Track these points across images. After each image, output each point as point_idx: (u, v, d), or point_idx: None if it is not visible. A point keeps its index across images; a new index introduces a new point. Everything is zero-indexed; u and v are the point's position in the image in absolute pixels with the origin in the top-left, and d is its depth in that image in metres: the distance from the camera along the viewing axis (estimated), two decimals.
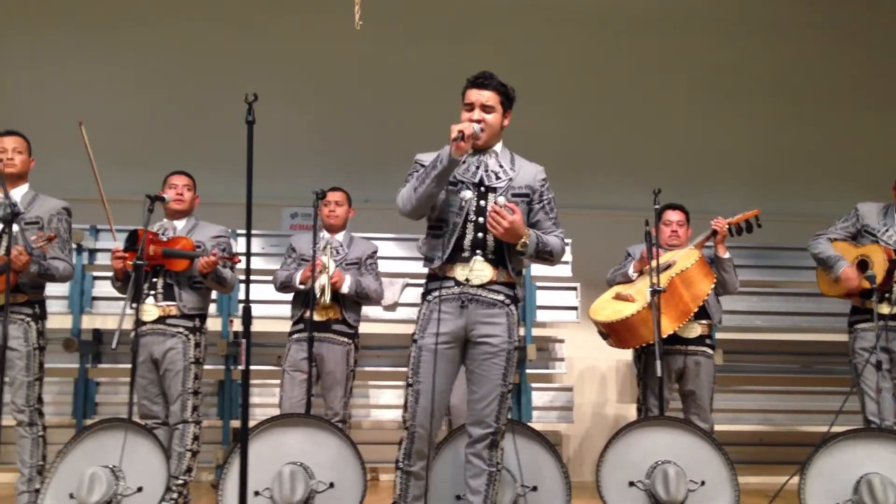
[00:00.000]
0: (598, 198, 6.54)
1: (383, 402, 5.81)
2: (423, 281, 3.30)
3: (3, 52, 6.04)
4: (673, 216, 4.82)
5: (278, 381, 4.80)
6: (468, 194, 3.16)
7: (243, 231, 5.28)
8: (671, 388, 4.70)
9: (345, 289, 4.63)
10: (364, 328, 5.77)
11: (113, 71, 6.14)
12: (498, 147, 3.28)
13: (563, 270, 5.92)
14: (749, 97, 6.74)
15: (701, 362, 4.67)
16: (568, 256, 5.90)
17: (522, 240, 3.10)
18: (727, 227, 4.70)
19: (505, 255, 3.17)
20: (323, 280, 4.50)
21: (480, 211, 3.15)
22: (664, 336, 4.31)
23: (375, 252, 4.90)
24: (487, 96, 3.19)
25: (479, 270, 3.14)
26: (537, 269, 5.87)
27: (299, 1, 5.87)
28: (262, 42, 6.06)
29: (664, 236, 4.78)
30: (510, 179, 3.21)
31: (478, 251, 3.15)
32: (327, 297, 4.48)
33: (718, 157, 6.80)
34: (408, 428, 3.13)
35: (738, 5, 6.57)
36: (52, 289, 5.45)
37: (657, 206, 4.55)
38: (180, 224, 4.49)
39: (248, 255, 2.97)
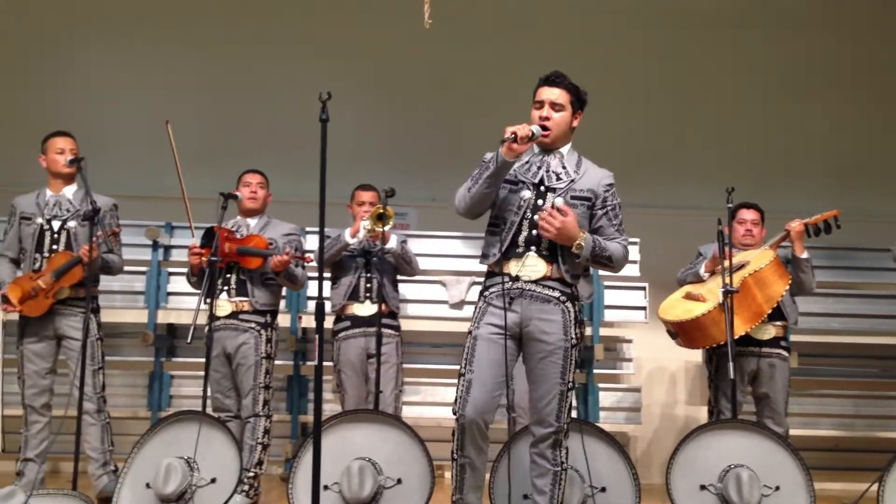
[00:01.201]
0: (667, 197, 6.43)
1: (450, 400, 5.81)
2: None
3: (80, 56, 6.22)
4: (747, 215, 4.72)
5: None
6: (527, 194, 3.16)
7: (311, 229, 5.41)
8: (744, 390, 4.62)
9: (392, 243, 4.68)
10: (430, 326, 5.83)
11: (186, 71, 6.26)
12: (565, 149, 3.26)
13: (631, 270, 5.83)
14: (827, 94, 6.55)
15: (775, 364, 4.58)
16: (636, 256, 5.82)
17: (577, 242, 3.07)
18: (804, 227, 4.59)
19: (557, 253, 3.14)
20: (367, 223, 4.50)
21: (537, 209, 3.15)
22: (735, 337, 4.22)
23: (405, 241, 4.93)
24: (557, 94, 3.18)
25: (531, 266, 3.13)
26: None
27: (369, 1, 5.91)
28: (332, 42, 6.11)
29: (738, 235, 4.68)
30: (571, 181, 3.19)
31: (532, 247, 3.14)
32: (376, 228, 4.43)
33: (793, 155, 6.62)
34: (458, 419, 3.13)
35: (813, 0, 6.41)
36: (128, 284, 5.66)
37: (730, 205, 4.47)
38: (253, 222, 4.58)
39: (321, 252, 3.01)
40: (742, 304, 4.29)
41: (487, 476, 3.70)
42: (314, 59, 6.14)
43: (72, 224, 4.30)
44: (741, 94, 6.53)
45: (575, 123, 3.25)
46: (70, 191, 4.37)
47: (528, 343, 3.15)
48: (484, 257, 3.25)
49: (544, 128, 3.16)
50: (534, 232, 3.13)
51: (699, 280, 4.62)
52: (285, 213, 4.80)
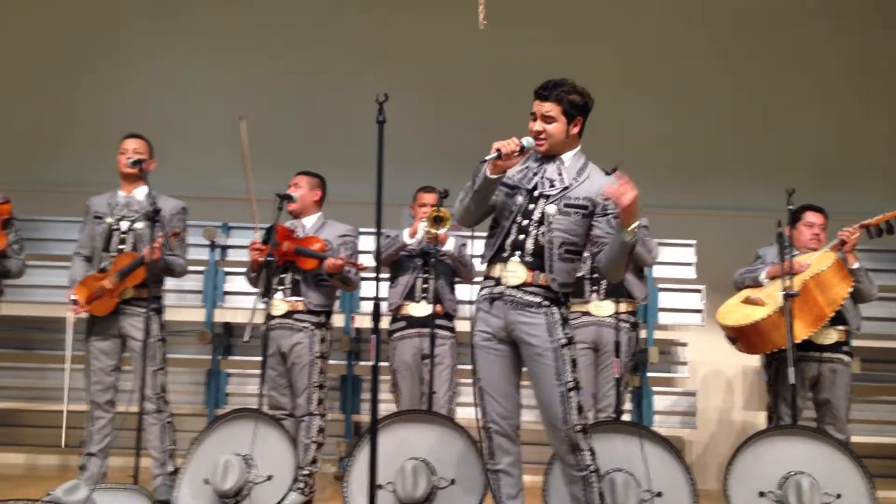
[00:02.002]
0: (724, 198, 6.33)
1: None
2: None
3: (142, 59, 6.32)
4: (816, 218, 4.61)
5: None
6: (520, 199, 3.15)
7: (364, 229, 5.44)
8: (804, 396, 4.52)
9: (449, 245, 4.72)
10: None
11: (242, 73, 6.35)
12: (567, 155, 3.20)
13: (686, 272, 5.79)
14: (889, 92, 6.38)
15: (837, 370, 4.47)
16: (692, 258, 5.77)
17: (637, 223, 2.97)
18: (867, 228, 4.48)
19: (545, 259, 3.09)
20: (425, 225, 4.53)
21: (527, 214, 3.13)
22: (797, 342, 4.14)
23: (465, 245, 4.94)
24: (548, 108, 3.14)
25: (512, 271, 3.10)
26: (660, 271, 5.75)
27: (425, 1, 5.92)
28: (388, 42, 6.14)
29: (804, 238, 4.58)
30: (565, 188, 3.13)
31: (517, 251, 3.11)
32: (432, 230, 4.46)
33: (854, 155, 6.47)
34: (483, 427, 3.16)
35: None
36: (186, 284, 5.76)
37: (791, 207, 4.38)
38: (309, 222, 4.62)
39: (378, 252, 3.03)
40: (803, 307, 4.20)
41: (541, 479, 3.70)
42: (369, 59, 6.18)
43: (139, 225, 4.38)
44: (800, 94, 6.40)
45: (574, 131, 3.18)
46: (141, 192, 4.43)
47: (520, 347, 3.13)
48: (482, 259, 3.26)
49: (538, 139, 3.14)
50: (520, 237, 3.11)
51: (758, 284, 4.54)
52: (339, 213, 4.84)
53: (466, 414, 5.61)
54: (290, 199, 4.50)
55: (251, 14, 6.08)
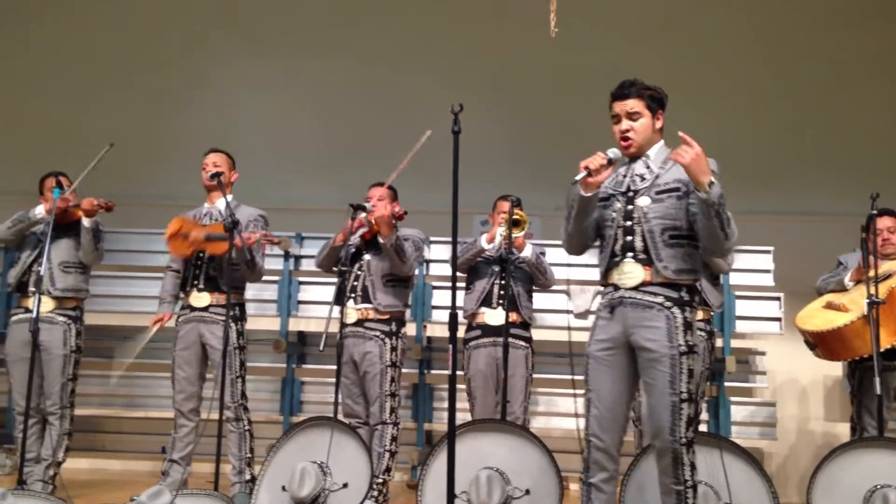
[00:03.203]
0: (803, 202, 6.17)
1: (574, 411, 5.76)
2: None
3: (215, 72, 6.48)
4: (883, 223, 4.47)
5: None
6: (618, 205, 3.13)
7: (436, 238, 5.48)
8: (890, 406, 4.37)
9: (526, 252, 4.76)
10: (557, 335, 5.79)
11: (315, 84, 6.43)
12: (653, 150, 3.18)
13: (764, 279, 5.67)
14: None
15: None
16: (770, 264, 5.65)
17: (709, 178, 2.86)
18: None
19: (650, 250, 3.03)
20: (502, 229, 4.59)
21: (628, 215, 3.10)
22: (881, 350, 4.02)
23: (544, 253, 4.99)
24: (631, 105, 3.12)
25: (628, 272, 3.06)
26: (737, 278, 5.63)
27: (495, 8, 5.93)
28: (457, 50, 6.16)
29: (876, 246, 4.44)
30: (656, 177, 3.11)
31: (628, 253, 3.08)
32: (512, 234, 4.52)
33: None
34: (585, 438, 3.12)
35: None
36: (261, 293, 5.88)
37: (874, 212, 4.25)
38: None
39: (454, 261, 3.04)
40: (889, 315, 4.08)
41: (618, 490, 3.66)
42: (439, 68, 6.20)
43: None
44: (877, 95, 6.20)
45: (658, 125, 3.17)
46: (222, 203, 4.50)
47: (637, 353, 3.06)
48: (600, 277, 3.23)
49: (625, 139, 3.13)
50: (628, 238, 3.08)
51: (842, 289, 4.41)
52: (411, 222, 4.87)
53: (540, 423, 5.60)
54: (363, 209, 4.57)
55: (320, 24, 6.16)
